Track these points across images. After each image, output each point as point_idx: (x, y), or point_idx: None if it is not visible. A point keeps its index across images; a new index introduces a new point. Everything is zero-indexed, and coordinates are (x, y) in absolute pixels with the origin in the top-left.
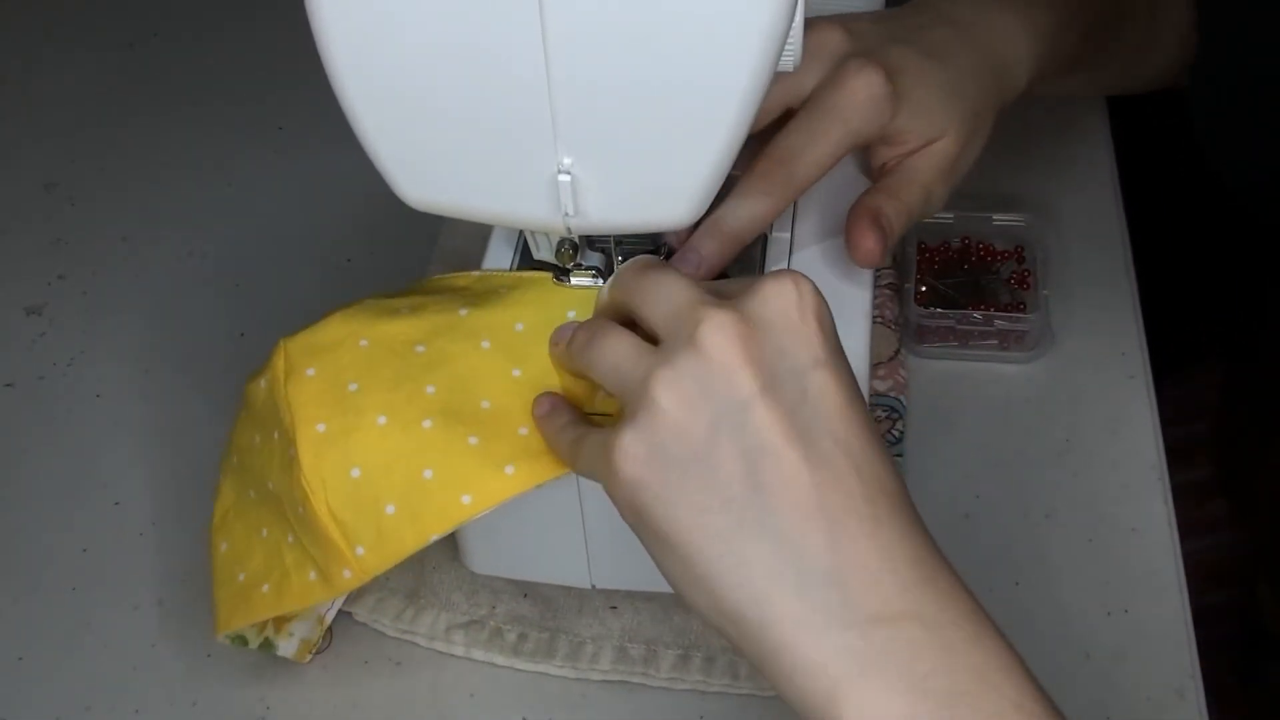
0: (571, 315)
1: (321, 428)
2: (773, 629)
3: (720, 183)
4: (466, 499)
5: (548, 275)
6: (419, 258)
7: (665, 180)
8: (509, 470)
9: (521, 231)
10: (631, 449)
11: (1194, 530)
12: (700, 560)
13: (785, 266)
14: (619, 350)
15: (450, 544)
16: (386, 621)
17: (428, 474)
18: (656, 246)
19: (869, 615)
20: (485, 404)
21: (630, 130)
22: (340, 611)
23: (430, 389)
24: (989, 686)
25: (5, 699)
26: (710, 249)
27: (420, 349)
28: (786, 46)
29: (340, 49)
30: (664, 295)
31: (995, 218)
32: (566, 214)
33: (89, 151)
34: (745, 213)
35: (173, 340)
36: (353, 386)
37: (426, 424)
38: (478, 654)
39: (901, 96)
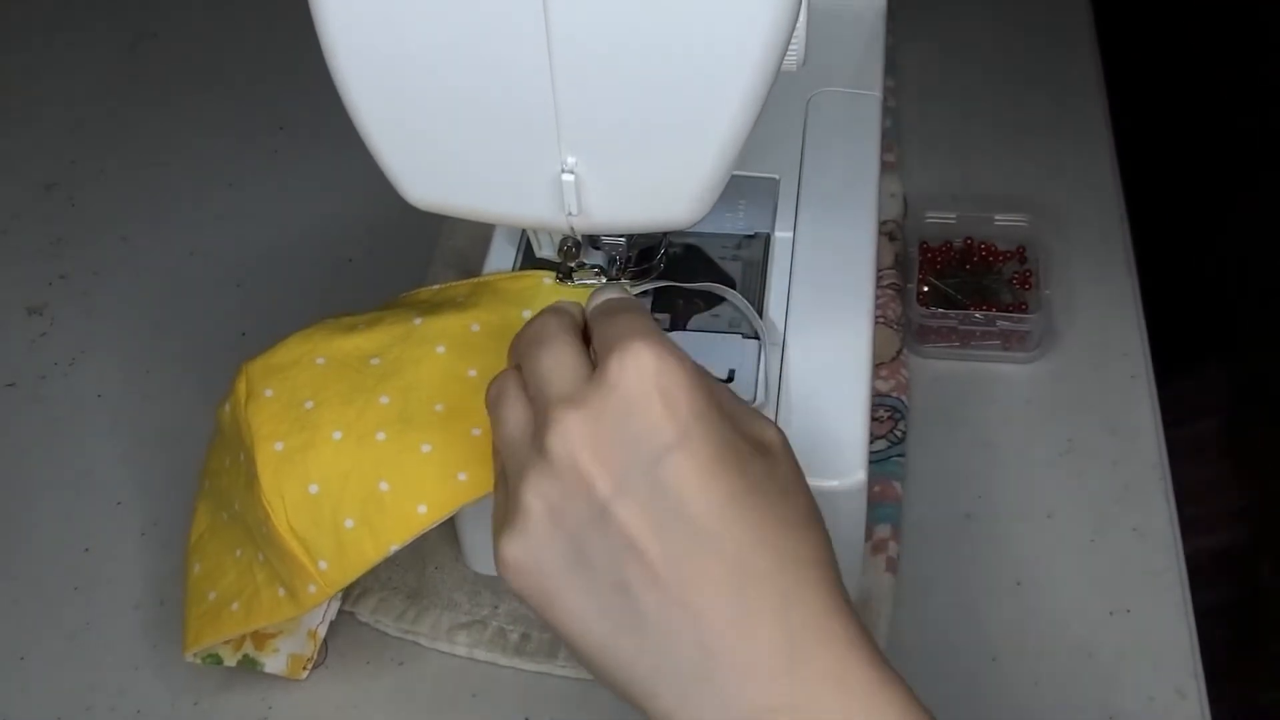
0: (526, 315)
1: (279, 446)
2: (662, 718)
3: (724, 182)
4: (422, 509)
5: (504, 275)
6: (419, 258)
7: (668, 179)
8: (461, 477)
9: (524, 230)
10: (512, 556)
11: (1196, 530)
12: (592, 661)
13: (788, 267)
14: (509, 426)
15: (453, 544)
16: (389, 622)
17: (383, 486)
18: (656, 245)
19: (742, 711)
20: (439, 407)
21: (634, 129)
22: (342, 612)
23: (384, 399)
24: None
25: (6, 699)
26: None
27: (375, 361)
28: (790, 46)
29: (344, 48)
30: (533, 369)
31: (997, 218)
32: (570, 213)
33: (89, 151)
34: None
35: (173, 340)
36: (309, 404)
37: (380, 436)
38: (480, 654)
39: None
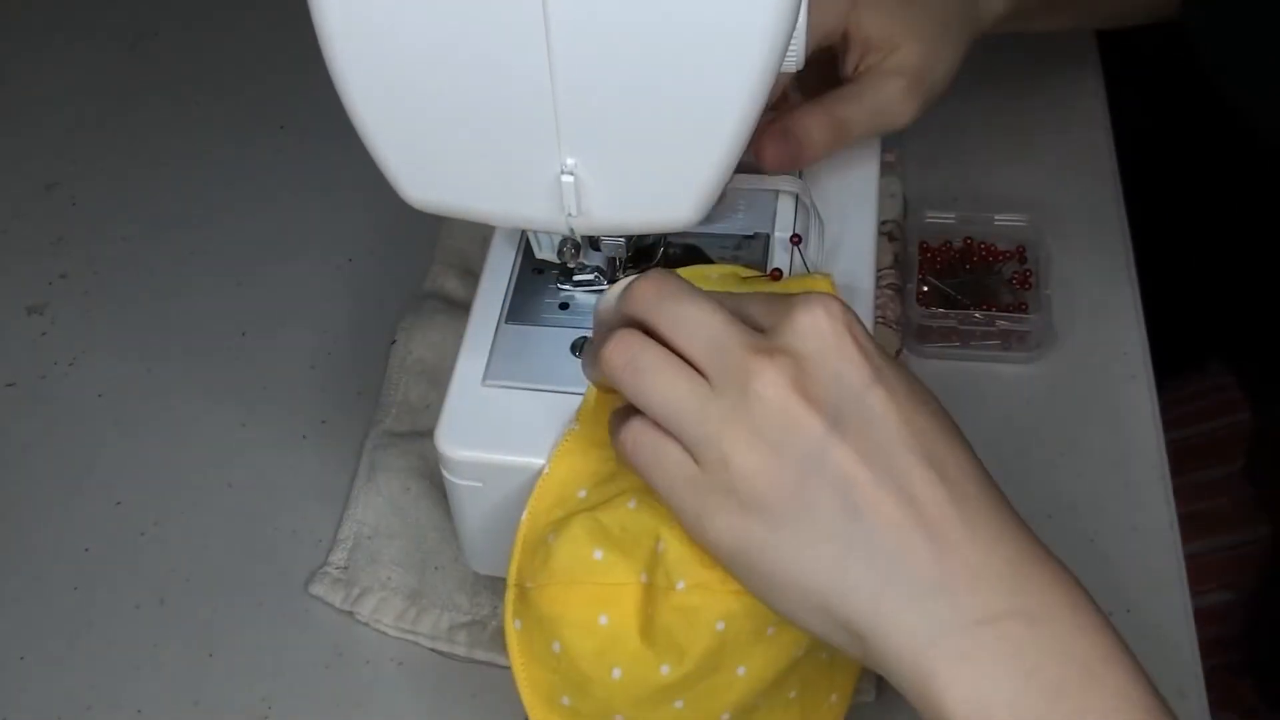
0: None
1: None
2: (887, 640)
3: (724, 183)
4: None
5: None
6: (419, 257)
7: (668, 181)
8: None
9: (524, 231)
10: (723, 507)
11: (1196, 530)
12: (814, 589)
13: (787, 267)
14: (672, 391)
15: (452, 545)
16: (388, 622)
17: None
18: (655, 244)
19: (975, 619)
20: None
21: (633, 131)
22: (342, 612)
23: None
24: (1093, 677)
25: (6, 698)
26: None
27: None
28: (789, 47)
29: (344, 49)
30: (699, 326)
31: (997, 218)
32: (569, 214)
33: (89, 151)
34: None
35: (174, 340)
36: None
37: None
38: (480, 654)
39: None
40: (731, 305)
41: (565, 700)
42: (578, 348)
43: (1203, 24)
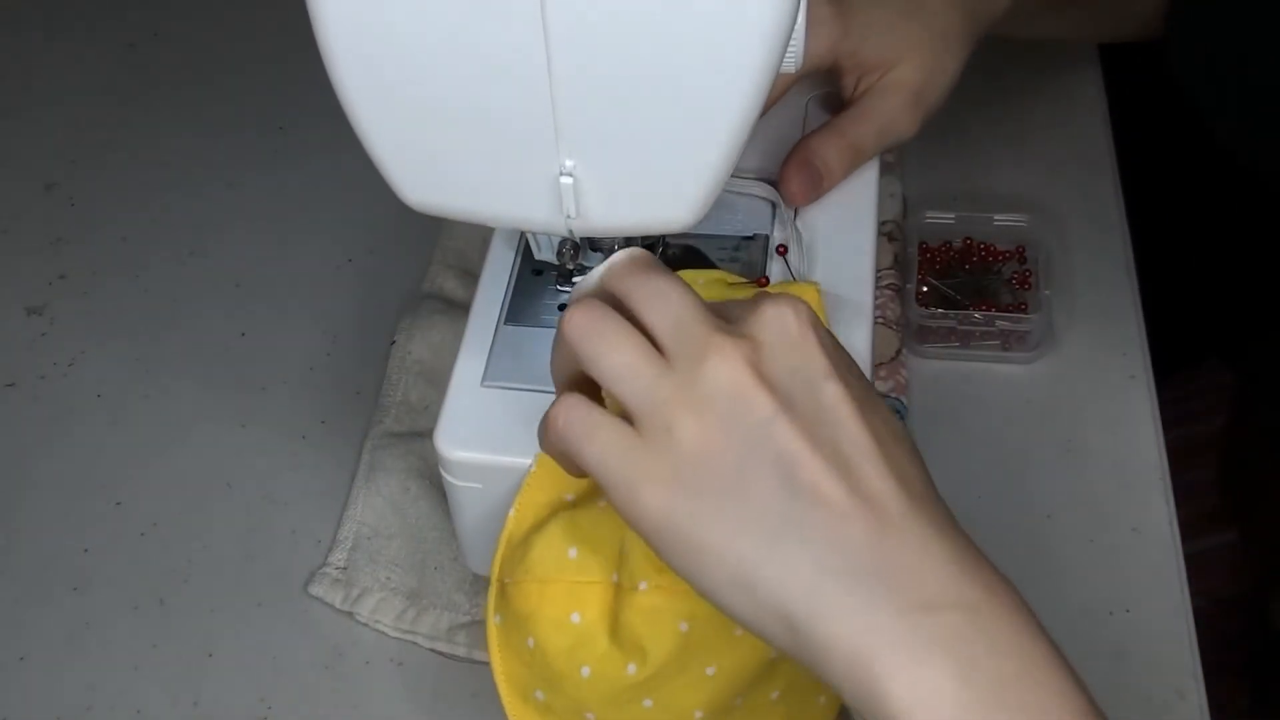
0: None
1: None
2: (822, 624)
3: (722, 185)
4: None
5: None
6: (419, 258)
7: (667, 182)
8: None
9: (523, 233)
10: (657, 476)
11: (1195, 530)
12: (744, 569)
13: (786, 268)
14: (627, 356)
15: (451, 545)
16: (388, 622)
17: None
18: (654, 245)
19: (915, 604)
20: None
21: (632, 132)
22: (342, 612)
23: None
24: (1033, 678)
25: (6, 699)
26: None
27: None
28: (788, 48)
29: (342, 51)
30: (668, 304)
31: (996, 218)
32: (568, 216)
33: (89, 151)
34: None
35: (173, 340)
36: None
37: None
38: (480, 655)
39: (850, 15)
40: (709, 304)
41: (539, 695)
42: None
43: (1183, 49)
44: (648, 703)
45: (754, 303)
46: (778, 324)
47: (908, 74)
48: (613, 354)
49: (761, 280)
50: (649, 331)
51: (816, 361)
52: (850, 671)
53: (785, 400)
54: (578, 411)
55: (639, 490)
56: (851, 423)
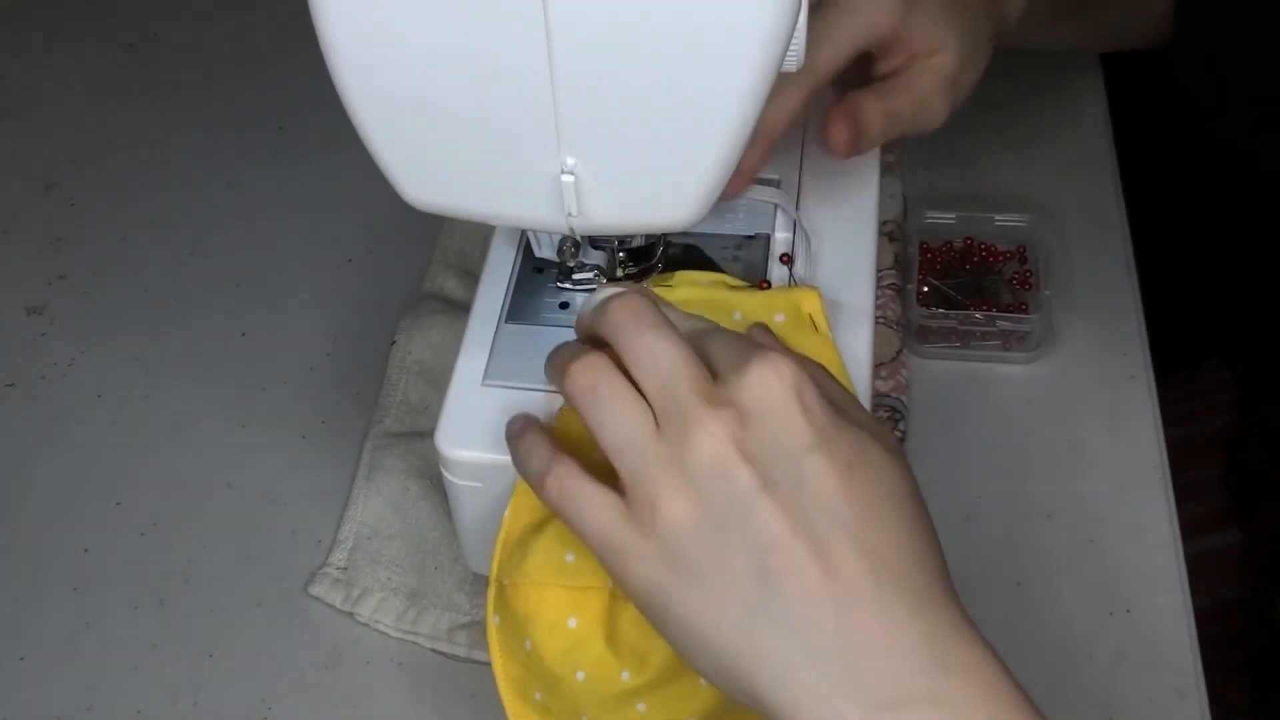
0: None
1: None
2: (790, 712)
3: (724, 183)
4: None
5: None
6: (419, 258)
7: (668, 181)
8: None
9: (523, 231)
10: (643, 552)
11: (1196, 530)
12: (720, 651)
13: (787, 268)
14: (622, 425)
15: (452, 545)
16: (388, 623)
17: None
18: (655, 242)
19: (880, 700)
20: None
21: (633, 131)
22: (342, 612)
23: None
24: None
25: (6, 699)
26: (750, 155)
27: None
28: (789, 47)
29: (345, 50)
30: (657, 364)
31: (997, 218)
32: (569, 214)
33: (89, 151)
34: (775, 109)
35: (173, 340)
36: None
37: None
38: (480, 655)
39: (911, 1)
40: (697, 339)
41: (538, 696)
42: None
43: (1185, 52)
44: (641, 707)
45: (743, 359)
46: (760, 389)
47: (946, 62)
48: (609, 423)
49: (763, 283)
50: (640, 389)
51: (799, 431)
52: None
53: (766, 477)
54: (572, 482)
55: (626, 564)
56: (832, 497)
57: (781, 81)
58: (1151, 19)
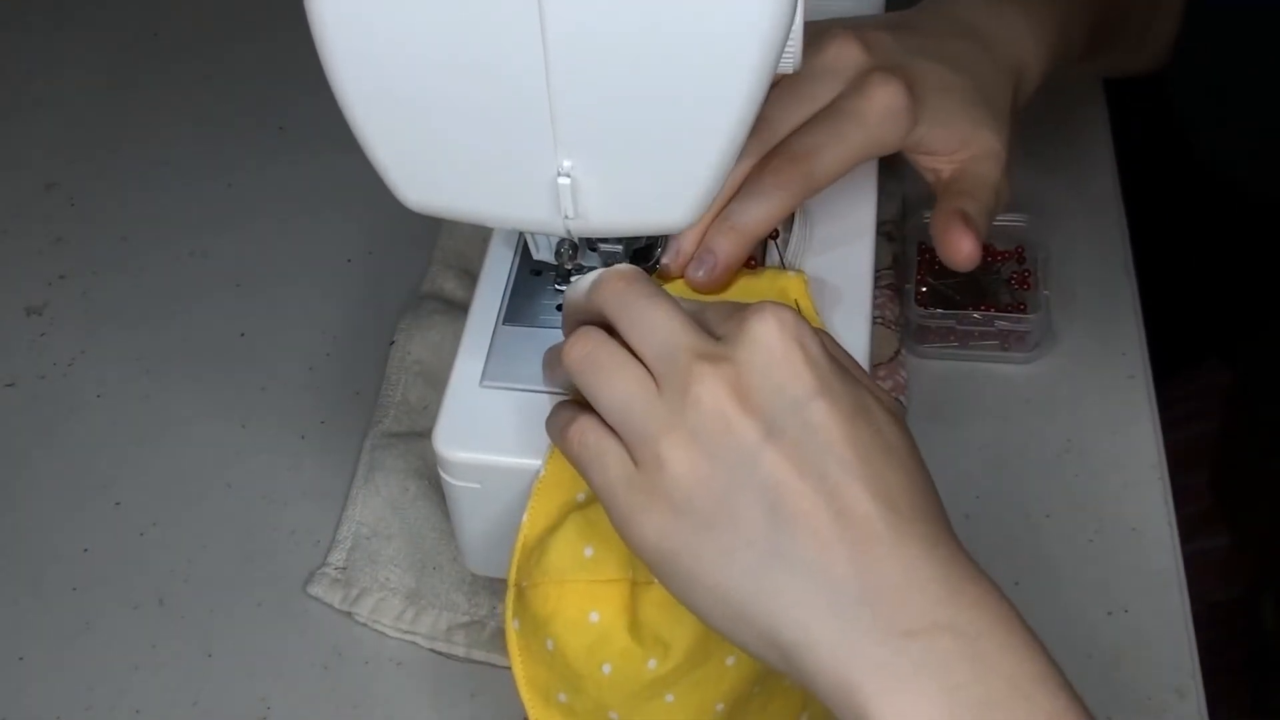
0: None
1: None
2: (810, 651)
3: (720, 185)
4: None
5: None
6: (418, 258)
7: (665, 183)
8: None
9: (521, 232)
10: (652, 507)
11: (1195, 530)
12: (735, 597)
13: (786, 268)
14: (621, 390)
15: (450, 545)
16: (387, 622)
17: None
18: (655, 243)
19: (900, 630)
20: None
21: (630, 133)
22: (341, 612)
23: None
24: (1022, 695)
25: (5, 699)
26: (726, 249)
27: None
28: (786, 49)
29: (340, 53)
30: (654, 329)
31: (996, 218)
32: (566, 216)
33: (89, 151)
34: (760, 211)
35: (173, 340)
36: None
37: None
38: (478, 655)
39: (922, 107)
40: (692, 309)
41: (562, 697)
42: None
43: (1188, 87)
44: (669, 698)
45: (739, 316)
46: (762, 341)
47: (994, 147)
48: (608, 388)
49: (751, 261)
50: (638, 356)
51: (802, 379)
52: (840, 698)
53: (770, 425)
54: (591, 434)
55: (636, 520)
56: (838, 443)
57: (772, 186)
58: (1155, 46)
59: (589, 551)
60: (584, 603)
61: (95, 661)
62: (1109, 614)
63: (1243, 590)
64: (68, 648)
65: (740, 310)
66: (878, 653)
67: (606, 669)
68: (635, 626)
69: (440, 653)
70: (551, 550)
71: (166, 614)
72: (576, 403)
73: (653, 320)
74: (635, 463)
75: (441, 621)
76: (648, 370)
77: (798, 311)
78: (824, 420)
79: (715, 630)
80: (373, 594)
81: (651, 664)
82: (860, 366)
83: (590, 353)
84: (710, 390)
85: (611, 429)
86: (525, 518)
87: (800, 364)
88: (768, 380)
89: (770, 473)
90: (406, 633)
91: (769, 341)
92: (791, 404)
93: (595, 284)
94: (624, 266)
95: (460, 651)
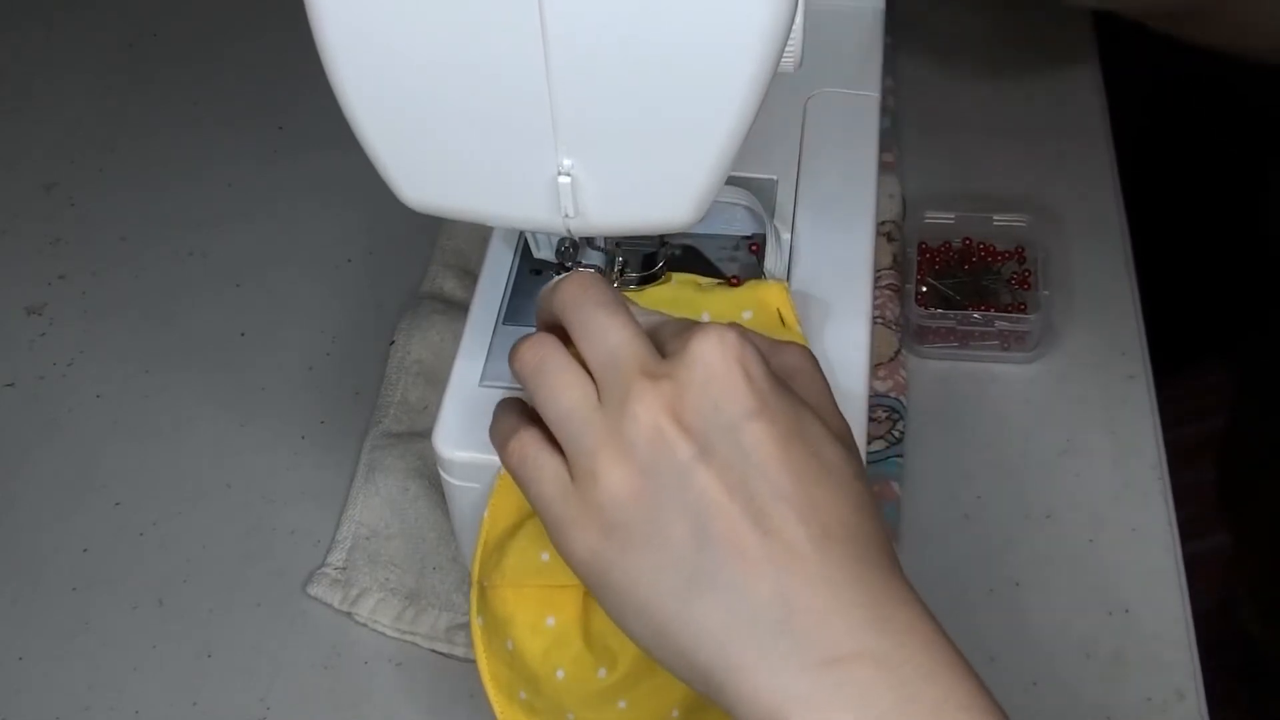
0: None
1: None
2: (732, 676)
3: (720, 184)
4: None
5: None
6: (418, 258)
7: (665, 182)
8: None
9: (522, 232)
10: (586, 522)
11: (1195, 531)
12: (660, 617)
13: (786, 268)
14: (569, 399)
15: (450, 545)
16: (386, 623)
17: None
18: (656, 251)
19: (820, 659)
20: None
21: (630, 132)
22: (340, 613)
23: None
24: None
25: (5, 699)
26: None
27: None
28: (787, 47)
29: (340, 52)
30: (603, 339)
31: (996, 218)
32: (566, 215)
33: (89, 151)
34: None
35: (173, 340)
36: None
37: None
38: None
39: None
40: (649, 322)
41: (522, 695)
42: None
43: None
44: (622, 704)
45: (686, 335)
46: (702, 360)
47: None
48: (551, 398)
49: (733, 280)
50: (586, 364)
51: (739, 399)
52: None
53: (704, 445)
54: (530, 447)
55: (569, 534)
56: (771, 464)
57: None
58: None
59: (545, 557)
60: (540, 608)
61: (94, 662)
62: (1109, 614)
63: (1244, 591)
64: (67, 648)
65: (690, 327)
66: (800, 682)
67: (560, 674)
68: (589, 634)
69: (440, 653)
70: (510, 554)
71: (166, 614)
72: (519, 409)
73: (603, 330)
74: (572, 476)
75: (441, 622)
76: (593, 380)
77: (744, 331)
78: (758, 441)
79: (642, 650)
80: (372, 594)
81: (601, 673)
82: (821, 387)
83: (538, 360)
84: (647, 407)
85: (553, 441)
86: (486, 515)
87: (739, 384)
88: (705, 399)
89: (700, 492)
90: (406, 633)
91: (710, 360)
92: (727, 424)
93: (554, 287)
94: (585, 272)
95: (460, 651)
